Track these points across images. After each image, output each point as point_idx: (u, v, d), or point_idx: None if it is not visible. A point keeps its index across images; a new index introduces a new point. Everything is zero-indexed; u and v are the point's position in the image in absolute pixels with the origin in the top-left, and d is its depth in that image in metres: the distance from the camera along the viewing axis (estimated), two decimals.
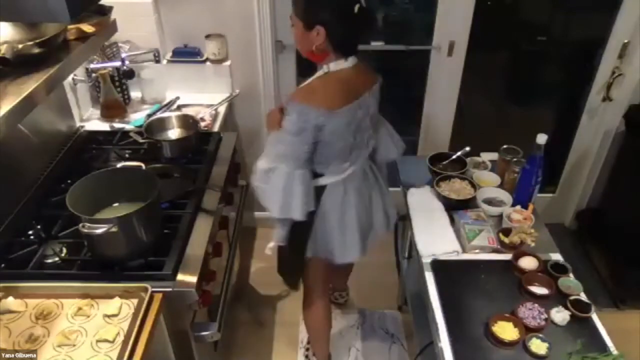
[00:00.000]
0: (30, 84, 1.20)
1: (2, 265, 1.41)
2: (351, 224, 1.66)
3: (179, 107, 2.27)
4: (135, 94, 2.36)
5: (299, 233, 1.66)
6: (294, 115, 1.46)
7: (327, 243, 1.68)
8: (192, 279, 1.41)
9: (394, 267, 2.47)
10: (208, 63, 2.34)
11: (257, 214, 2.89)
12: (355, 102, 1.51)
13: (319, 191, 1.61)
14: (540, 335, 1.33)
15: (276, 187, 1.51)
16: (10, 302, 1.29)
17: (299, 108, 1.45)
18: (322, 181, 1.61)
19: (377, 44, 2.51)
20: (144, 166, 1.59)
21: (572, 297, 1.43)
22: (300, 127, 1.46)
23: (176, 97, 2.32)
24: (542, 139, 1.65)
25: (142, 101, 2.34)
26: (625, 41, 2.35)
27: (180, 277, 1.41)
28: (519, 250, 1.59)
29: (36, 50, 1.28)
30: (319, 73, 1.53)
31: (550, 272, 1.51)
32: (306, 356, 2.22)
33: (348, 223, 1.66)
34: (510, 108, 2.86)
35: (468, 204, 1.76)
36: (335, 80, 1.50)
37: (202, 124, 2.07)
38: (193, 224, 1.60)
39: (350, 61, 1.51)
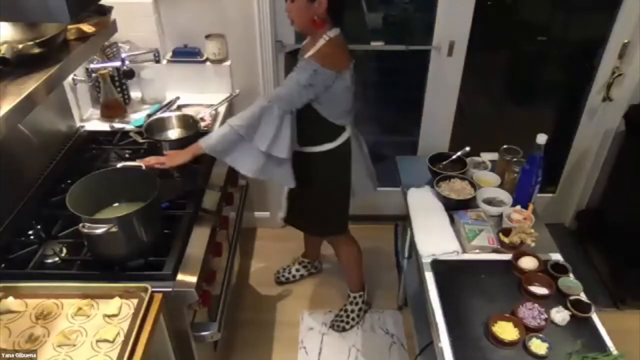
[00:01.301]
0: (30, 84, 1.20)
1: (2, 265, 1.41)
2: (363, 168, 2.03)
3: (179, 107, 2.27)
4: (135, 94, 2.36)
5: (346, 185, 1.98)
6: (310, 71, 1.66)
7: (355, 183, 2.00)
8: (192, 279, 1.41)
9: (394, 267, 2.47)
10: (208, 63, 2.34)
11: (257, 214, 2.89)
12: (351, 65, 1.76)
13: (347, 143, 1.90)
14: (540, 335, 1.33)
15: (269, 126, 1.68)
16: (10, 302, 1.29)
17: (316, 67, 1.66)
18: (345, 134, 1.88)
19: (377, 44, 2.51)
20: (144, 166, 1.59)
21: (572, 297, 1.43)
22: (310, 82, 1.66)
23: (176, 97, 2.32)
24: (542, 139, 1.65)
25: (142, 101, 2.34)
26: (625, 41, 2.35)
27: (180, 277, 1.41)
28: (519, 250, 1.59)
29: (36, 50, 1.28)
30: (320, 42, 1.71)
31: (550, 272, 1.51)
32: (356, 303, 2.32)
33: (362, 167, 2.02)
34: (510, 108, 2.86)
35: (468, 204, 1.76)
36: (337, 45, 1.73)
37: (202, 124, 2.07)
38: (193, 224, 1.60)
39: (338, 29, 1.73)
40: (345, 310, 2.34)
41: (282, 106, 1.68)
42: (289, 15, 1.72)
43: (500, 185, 1.85)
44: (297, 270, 2.58)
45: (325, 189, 1.97)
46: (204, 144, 1.67)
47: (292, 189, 1.89)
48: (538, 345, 1.31)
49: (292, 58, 1.89)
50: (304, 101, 1.71)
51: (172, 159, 1.69)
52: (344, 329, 2.30)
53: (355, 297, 2.32)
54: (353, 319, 2.32)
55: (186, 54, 2.32)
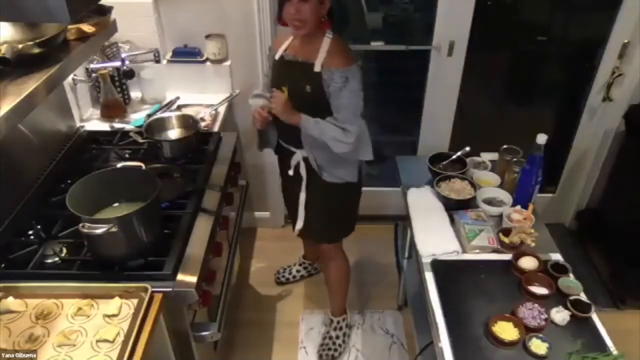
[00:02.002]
0: (30, 84, 1.20)
1: (2, 265, 1.41)
2: None
3: (179, 107, 2.27)
4: (135, 94, 2.36)
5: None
6: (357, 75, 1.69)
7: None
8: (192, 279, 1.41)
9: (394, 267, 2.47)
10: (208, 63, 2.34)
11: (257, 213, 2.89)
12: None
13: None
14: (540, 335, 1.33)
15: (366, 138, 1.79)
16: (10, 302, 1.29)
17: (354, 68, 1.69)
18: None
19: (377, 44, 2.51)
20: (144, 166, 1.59)
21: (572, 297, 1.43)
22: (362, 82, 1.71)
23: (176, 97, 2.32)
24: (542, 139, 1.65)
25: (142, 101, 2.34)
26: (625, 41, 2.35)
27: (180, 277, 1.41)
28: (519, 250, 1.59)
29: (36, 50, 1.28)
30: (325, 41, 1.71)
31: (550, 272, 1.51)
32: (340, 328, 2.27)
33: None
34: (510, 108, 2.86)
35: (468, 204, 1.76)
36: (343, 41, 1.75)
37: (202, 124, 2.07)
38: (193, 224, 1.60)
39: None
40: (330, 337, 2.24)
41: (359, 119, 1.73)
42: (299, 18, 1.63)
43: (500, 185, 1.85)
44: (298, 270, 2.58)
45: (347, 189, 1.93)
46: (304, 124, 1.72)
47: (311, 198, 1.93)
48: (538, 345, 1.31)
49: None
50: None
51: (282, 109, 1.72)
52: (333, 357, 2.20)
53: (339, 322, 2.26)
54: (340, 345, 2.23)
55: (186, 54, 2.32)
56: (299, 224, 2.01)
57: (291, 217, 2.14)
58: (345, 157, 1.78)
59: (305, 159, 1.85)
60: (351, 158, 1.81)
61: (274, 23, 1.75)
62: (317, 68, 1.69)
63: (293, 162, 1.90)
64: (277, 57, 1.82)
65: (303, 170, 1.89)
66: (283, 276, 2.58)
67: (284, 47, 1.81)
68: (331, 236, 2.07)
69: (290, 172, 1.92)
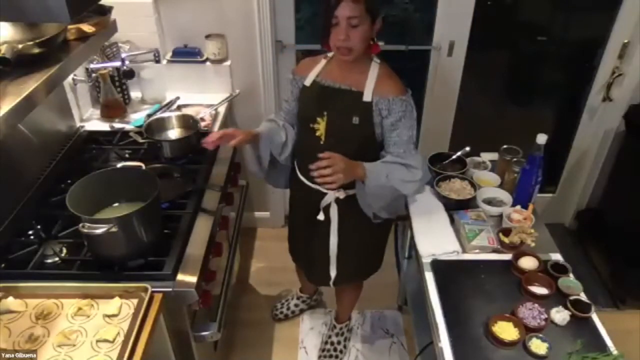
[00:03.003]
0: (30, 84, 1.20)
1: (2, 265, 1.41)
2: None
3: (179, 107, 2.27)
4: (135, 94, 2.36)
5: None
6: (412, 104, 1.54)
7: None
8: (192, 279, 1.41)
9: (394, 267, 2.47)
10: (208, 63, 2.34)
11: (257, 214, 2.89)
12: None
13: None
14: (540, 335, 1.33)
15: (426, 167, 1.66)
16: (10, 302, 1.29)
17: (408, 97, 1.54)
18: None
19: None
20: (144, 166, 1.59)
21: (572, 297, 1.43)
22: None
23: (176, 97, 2.32)
24: (542, 139, 1.65)
25: (142, 101, 2.34)
26: (625, 41, 2.35)
27: (180, 277, 1.41)
28: (519, 250, 1.59)
29: (36, 50, 1.28)
30: (373, 66, 1.55)
31: (550, 272, 1.51)
32: (342, 334, 2.22)
33: None
34: (510, 108, 2.86)
35: (468, 204, 1.76)
36: (390, 67, 1.59)
37: (202, 124, 2.07)
38: (193, 224, 1.60)
39: None
40: (332, 343, 2.20)
41: (417, 152, 1.61)
42: (346, 45, 1.45)
43: (500, 185, 1.85)
44: (296, 305, 2.38)
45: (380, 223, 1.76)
46: (369, 175, 1.53)
47: (343, 240, 1.75)
48: (538, 345, 1.31)
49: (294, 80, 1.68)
50: None
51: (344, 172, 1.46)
52: None
53: (341, 328, 2.22)
54: (341, 351, 2.20)
55: (186, 54, 2.32)
56: (333, 273, 1.81)
57: (312, 268, 1.92)
58: (418, 193, 1.64)
59: (339, 200, 1.64)
60: (415, 194, 1.66)
61: (322, 46, 1.53)
62: (366, 97, 1.51)
63: (323, 204, 1.68)
64: (307, 83, 1.61)
65: (334, 212, 1.68)
66: (281, 312, 2.37)
67: (316, 71, 1.61)
68: (366, 274, 1.95)
69: (321, 217, 1.69)
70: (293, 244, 2.01)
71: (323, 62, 1.64)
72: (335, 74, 1.59)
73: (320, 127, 1.58)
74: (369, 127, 1.53)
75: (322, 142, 1.60)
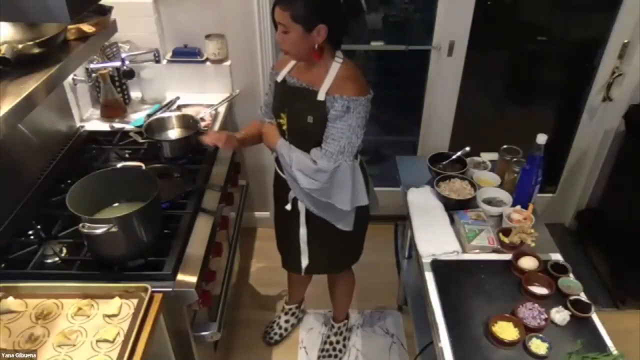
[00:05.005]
0: (30, 84, 1.20)
1: (2, 265, 1.41)
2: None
3: (179, 107, 2.27)
4: (135, 94, 2.36)
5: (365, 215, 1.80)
6: (362, 109, 1.51)
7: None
8: (192, 279, 1.41)
9: (394, 267, 2.47)
10: (208, 63, 2.34)
11: (257, 214, 2.89)
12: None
13: (363, 166, 1.73)
14: (540, 335, 1.33)
15: (344, 184, 1.57)
16: (10, 302, 1.29)
17: (363, 101, 1.51)
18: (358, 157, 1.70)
19: (377, 44, 2.51)
20: (144, 166, 1.59)
21: (572, 297, 1.43)
22: (366, 118, 1.54)
23: (176, 97, 2.32)
24: (542, 139, 1.65)
25: (142, 101, 2.34)
26: (625, 41, 2.35)
27: (180, 277, 1.41)
28: (519, 250, 1.59)
29: (36, 50, 1.28)
30: (334, 66, 1.54)
31: (550, 272, 1.51)
32: (341, 333, 2.23)
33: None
34: (510, 108, 2.86)
35: (468, 204, 1.76)
36: (356, 67, 1.57)
37: (202, 124, 2.07)
38: (193, 224, 1.60)
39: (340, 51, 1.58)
40: (331, 343, 2.21)
41: (349, 158, 1.55)
42: (281, 48, 1.53)
43: (500, 185, 1.85)
44: (286, 321, 2.31)
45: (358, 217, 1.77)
46: (280, 146, 1.63)
47: (313, 232, 1.79)
48: (538, 345, 1.30)
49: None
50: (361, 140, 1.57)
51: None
52: None
53: (339, 327, 2.22)
54: (341, 351, 2.20)
55: (186, 54, 2.33)
56: (304, 262, 1.86)
57: (286, 255, 1.99)
58: (314, 195, 1.60)
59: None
60: (323, 199, 1.61)
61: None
62: (320, 96, 1.51)
63: (291, 196, 1.74)
64: (279, 79, 1.65)
65: (301, 204, 1.73)
66: (275, 333, 2.28)
67: (288, 68, 1.64)
68: (339, 267, 1.99)
69: (288, 207, 1.76)
70: (276, 229, 2.06)
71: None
72: (301, 72, 1.61)
73: (284, 122, 1.63)
74: (322, 126, 1.54)
75: (286, 137, 1.66)
